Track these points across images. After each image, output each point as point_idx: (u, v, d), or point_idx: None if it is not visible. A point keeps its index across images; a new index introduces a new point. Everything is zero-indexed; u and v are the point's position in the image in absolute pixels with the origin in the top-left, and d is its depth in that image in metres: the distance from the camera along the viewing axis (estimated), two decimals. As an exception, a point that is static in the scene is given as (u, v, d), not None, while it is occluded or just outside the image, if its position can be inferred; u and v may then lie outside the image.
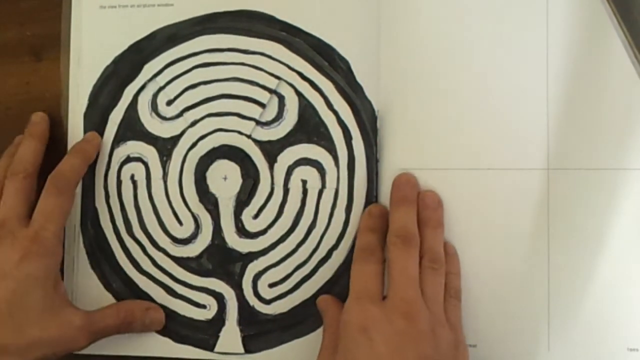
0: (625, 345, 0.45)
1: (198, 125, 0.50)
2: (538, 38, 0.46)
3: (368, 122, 0.48)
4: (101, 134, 0.51)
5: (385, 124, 0.48)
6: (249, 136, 0.49)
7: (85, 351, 0.50)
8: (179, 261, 0.50)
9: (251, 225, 0.49)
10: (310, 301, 0.48)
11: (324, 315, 0.46)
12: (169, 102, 0.50)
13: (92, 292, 0.50)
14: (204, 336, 0.50)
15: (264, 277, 0.49)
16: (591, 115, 0.46)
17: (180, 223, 0.50)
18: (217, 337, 0.49)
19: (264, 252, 0.49)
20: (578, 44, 0.46)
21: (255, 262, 0.49)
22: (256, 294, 0.49)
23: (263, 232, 0.49)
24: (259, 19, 0.49)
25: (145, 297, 0.50)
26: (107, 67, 0.51)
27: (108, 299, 0.51)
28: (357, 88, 0.48)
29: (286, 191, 0.49)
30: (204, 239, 0.50)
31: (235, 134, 0.50)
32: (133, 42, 0.51)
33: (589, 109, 0.46)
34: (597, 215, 0.46)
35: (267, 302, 0.49)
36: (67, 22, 0.52)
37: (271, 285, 0.49)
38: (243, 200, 0.49)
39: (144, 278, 0.50)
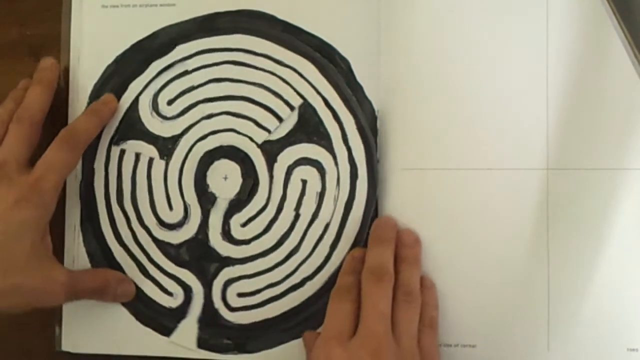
0: (625, 345, 0.45)
1: (197, 126, 0.50)
2: (538, 38, 0.46)
3: (368, 122, 0.48)
4: (102, 133, 0.51)
5: (385, 124, 0.48)
6: (248, 136, 0.49)
7: (85, 351, 0.50)
8: (159, 244, 0.50)
9: (237, 232, 0.49)
10: (273, 321, 0.49)
11: (307, 350, 0.47)
12: (170, 102, 0.50)
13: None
14: (163, 322, 0.50)
15: (235, 284, 0.49)
16: (591, 115, 0.46)
17: (171, 208, 0.50)
18: (176, 327, 0.50)
19: (242, 261, 0.49)
20: (578, 44, 0.46)
21: (231, 267, 0.49)
22: (223, 298, 0.49)
23: (246, 242, 0.49)
24: (259, 18, 0.49)
25: (118, 267, 0.50)
26: (109, 66, 0.51)
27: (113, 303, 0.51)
28: (357, 88, 0.48)
29: (283, 197, 0.49)
30: (189, 230, 0.50)
31: (234, 133, 0.50)
32: (135, 42, 0.51)
33: (588, 109, 0.46)
34: (597, 215, 0.46)
35: (232, 309, 0.49)
36: (67, 22, 0.52)
37: (240, 295, 0.49)
38: (243, 199, 0.49)
39: (121, 250, 0.51)
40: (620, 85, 0.45)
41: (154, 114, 0.51)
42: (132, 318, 0.50)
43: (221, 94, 0.50)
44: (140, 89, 0.51)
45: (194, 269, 0.50)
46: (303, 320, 0.49)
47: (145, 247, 0.50)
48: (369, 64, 0.48)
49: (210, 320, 0.49)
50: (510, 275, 0.46)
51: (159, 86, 0.50)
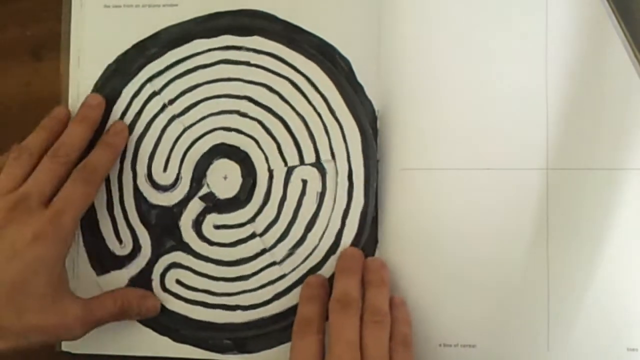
0: (625, 345, 0.45)
1: (198, 125, 0.50)
2: (537, 38, 0.47)
3: (368, 122, 0.48)
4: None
5: (385, 124, 0.48)
6: (249, 135, 0.49)
7: (85, 351, 0.50)
8: (137, 193, 0.50)
9: (205, 228, 0.50)
10: (192, 322, 0.50)
11: None
12: (171, 101, 0.50)
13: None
14: (100, 260, 0.51)
15: (179, 270, 0.50)
16: (591, 115, 0.46)
17: (165, 169, 0.50)
18: (109, 272, 0.50)
19: (195, 254, 0.50)
20: (578, 44, 0.46)
21: (184, 254, 0.50)
22: (162, 275, 0.50)
23: (207, 241, 0.50)
24: (260, 18, 0.49)
25: None
26: (109, 65, 0.51)
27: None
28: (358, 88, 0.48)
29: (283, 197, 0.49)
30: (169, 199, 0.50)
31: (234, 133, 0.50)
32: (137, 42, 0.51)
33: (588, 109, 0.46)
34: (597, 215, 0.46)
35: (165, 289, 0.50)
36: (67, 22, 0.52)
37: (178, 282, 0.50)
38: (242, 199, 0.49)
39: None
40: (620, 85, 0.45)
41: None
42: (169, 340, 0.50)
43: (221, 93, 0.50)
44: (138, 87, 0.51)
45: (153, 234, 0.50)
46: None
47: (124, 187, 0.50)
48: (370, 63, 0.48)
49: (139, 287, 0.50)
50: (510, 275, 0.46)
51: (160, 85, 0.51)
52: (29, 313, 0.43)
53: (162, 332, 0.50)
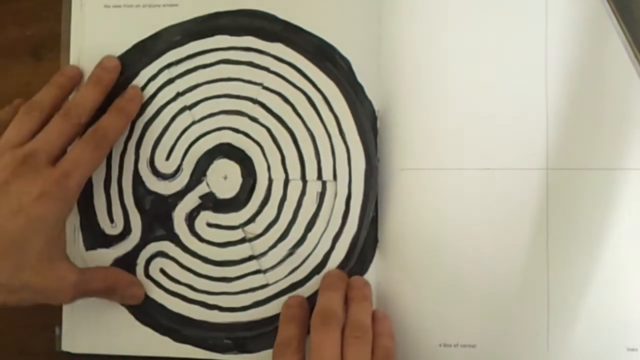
0: (625, 345, 0.45)
1: (207, 120, 0.50)
2: (537, 37, 0.47)
3: (368, 122, 0.48)
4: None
5: (385, 124, 0.48)
6: (256, 141, 0.49)
7: (85, 351, 0.50)
8: (136, 176, 0.50)
9: (198, 224, 0.50)
10: (167, 312, 0.50)
11: None
12: (185, 92, 0.50)
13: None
14: (90, 238, 0.51)
15: (165, 260, 0.50)
16: (591, 115, 0.46)
17: (168, 158, 0.50)
18: (95, 248, 0.51)
19: (183, 247, 0.50)
20: (577, 44, 0.46)
21: (171, 244, 0.50)
22: (147, 262, 0.50)
23: (198, 237, 0.50)
24: (260, 18, 0.49)
25: None
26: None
27: (112, 302, 0.51)
28: (358, 88, 0.48)
29: (283, 197, 0.49)
30: (167, 188, 0.50)
31: (242, 135, 0.50)
32: (137, 42, 0.51)
33: (588, 109, 0.46)
34: (597, 215, 0.46)
35: (148, 276, 0.50)
36: (67, 22, 0.52)
37: (161, 271, 0.50)
38: (243, 198, 0.49)
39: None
40: (620, 85, 0.45)
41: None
42: (132, 318, 0.50)
43: (235, 94, 0.50)
44: (156, 71, 0.51)
45: (145, 220, 0.50)
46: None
47: (125, 167, 0.50)
48: (370, 63, 0.48)
49: (123, 268, 0.50)
50: (510, 275, 0.46)
51: (176, 73, 0.50)
52: (26, 271, 0.43)
53: (162, 332, 0.50)
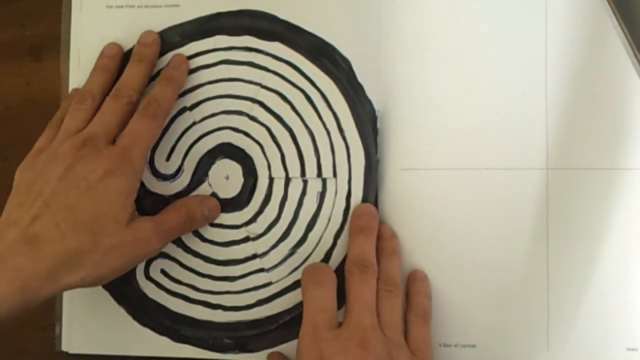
0: (625, 345, 0.45)
1: (208, 120, 0.50)
2: (537, 37, 0.47)
3: (368, 122, 0.48)
4: None
5: (385, 124, 0.48)
6: (255, 140, 0.49)
7: (85, 351, 0.50)
8: None
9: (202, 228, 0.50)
10: (169, 313, 0.50)
11: None
12: (185, 93, 0.50)
13: (91, 292, 0.50)
14: None
15: (166, 260, 0.50)
16: (590, 115, 0.46)
17: (168, 159, 0.50)
18: None
19: (185, 247, 0.50)
20: (577, 43, 0.46)
21: (172, 244, 0.50)
22: (148, 263, 0.50)
23: (200, 237, 0.50)
24: (261, 18, 0.49)
25: None
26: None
27: (109, 300, 0.51)
28: (358, 88, 0.48)
29: (284, 197, 0.49)
30: (167, 189, 0.50)
31: (232, 131, 0.50)
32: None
33: (588, 109, 0.46)
34: (596, 215, 0.46)
35: (148, 277, 0.50)
36: (67, 22, 0.52)
37: (162, 272, 0.50)
38: (245, 198, 0.49)
39: None
40: (619, 85, 0.45)
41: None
42: (131, 318, 0.50)
43: (235, 94, 0.50)
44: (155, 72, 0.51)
45: None
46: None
47: None
48: (370, 64, 0.48)
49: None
50: (510, 275, 0.46)
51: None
52: (105, 236, 0.44)
53: (161, 332, 0.50)
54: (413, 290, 0.46)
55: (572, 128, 0.46)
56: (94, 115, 0.47)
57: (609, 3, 0.41)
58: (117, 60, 0.50)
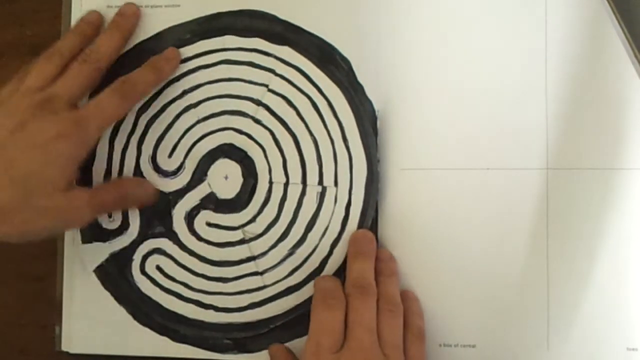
0: (625, 345, 0.45)
1: (212, 120, 0.50)
2: (537, 38, 0.47)
3: (368, 122, 0.48)
4: None
5: (385, 124, 0.48)
6: (258, 143, 0.49)
7: (85, 351, 0.50)
8: (136, 173, 0.50)
9: (197, 223, 0.50)
10: (162, 310, 0.50)
11: None
12: (190, 90, 0.50)
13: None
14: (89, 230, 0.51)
15: (162, 257, 0.50)
16: (590, 115, 0.46)
17: (170, 155, 0.50)
18: (91, 242, 0.51)
19: (181, 245, 0.50)
20: (577, 44, 0.46)
21: (169, 241, 0.50)
22: (144, 259, 0.50)
23: (196, 236, 0.50)
24: (261, 18, 0.49)
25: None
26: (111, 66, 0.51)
27: (109, 300, 0.50)
28: (358, 88, 0.48)
29: (284, 198, 0.49)
30: (167, 186, 0.50)
31: (235, 132, 0.50)
32: (138, 42, 0.51)
33: (588, 109, 0.46)
34: (596, 215, 0.46)
35: (144, 272, 0.50)
36: (67, 22, 0.52)
37: (157, 268, 0.50)
38: (243, 199, 0.49)
39: (109, 149, 0.51)
40: (619, 85, 0.45)
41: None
42: (131, 318, 0.50)
43: (240, 94, 0.50)
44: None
45: (143, 216, 0.50)
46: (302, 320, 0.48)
47: (126, 163, 0.51)
48: (370, 64, 0.48)
49: (118, 264, 0.50)
50: (510, 275, 0.46)
51: (182, 71, 0.51)
52: (38, 196, 0.44)
53: (161, 332, 0.50)
54: (407, 311, 0.46)
55: (572, 128, 0.46)
56: (58, 73, 0.47)
57: (609, 3, 0.41)
58: (95, 28, 0.50)
